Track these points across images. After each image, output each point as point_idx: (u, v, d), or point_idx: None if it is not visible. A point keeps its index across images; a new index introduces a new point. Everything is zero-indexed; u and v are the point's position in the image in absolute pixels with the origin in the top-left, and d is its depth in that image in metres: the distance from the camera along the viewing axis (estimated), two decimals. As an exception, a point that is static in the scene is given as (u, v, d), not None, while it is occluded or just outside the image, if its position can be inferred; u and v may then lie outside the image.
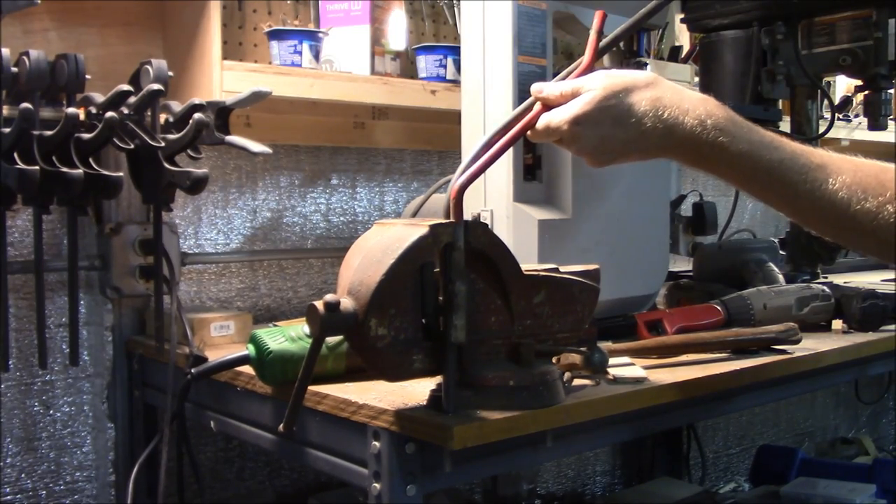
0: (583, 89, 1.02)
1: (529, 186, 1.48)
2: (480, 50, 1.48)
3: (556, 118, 1.02)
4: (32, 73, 1.34)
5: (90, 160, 1.34)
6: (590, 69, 1.06)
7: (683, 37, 2.40)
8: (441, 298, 1.00)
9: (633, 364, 1.29)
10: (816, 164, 0.99)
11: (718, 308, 1.55)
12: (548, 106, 1.04)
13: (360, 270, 0.98)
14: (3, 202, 1.35)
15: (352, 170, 2.04)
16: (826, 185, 0.97)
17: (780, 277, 1.81)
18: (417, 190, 2.12)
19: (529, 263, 1.14)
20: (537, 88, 1.06)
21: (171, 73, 1.42)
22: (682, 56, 2.35)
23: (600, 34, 1.08)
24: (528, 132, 1.05)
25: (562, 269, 1.12)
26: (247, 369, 1.27)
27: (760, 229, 2.88)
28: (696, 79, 2.11)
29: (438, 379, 1.05)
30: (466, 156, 1.03)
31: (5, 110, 1.35)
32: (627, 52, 1.96)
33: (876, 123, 1.96)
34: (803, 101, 2.02)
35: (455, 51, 1.88)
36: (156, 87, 1.35)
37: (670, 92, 1.02)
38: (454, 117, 1.57)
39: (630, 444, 2.61)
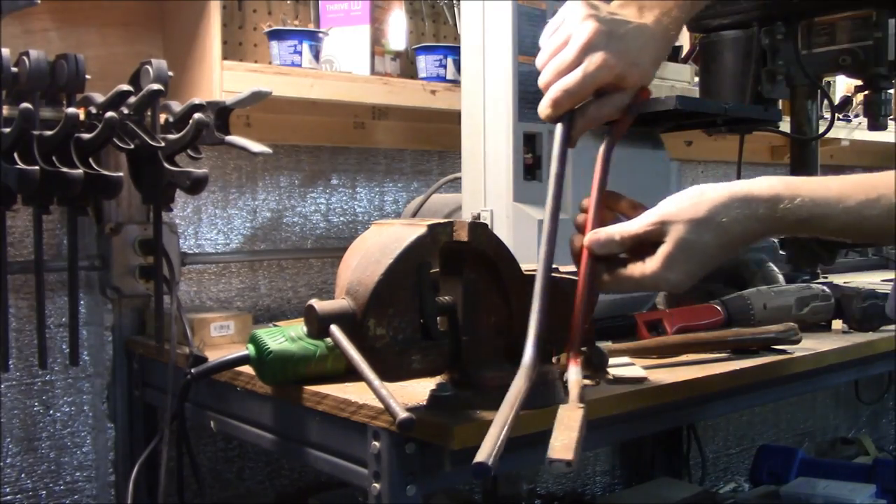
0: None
1: (529, 186, 1.48)
2: (480, 50, 1.48)
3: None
4: (32, 73, 1.34)
5: (90, 160, 1.34)
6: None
7: (683, 37, 2.40)
8: (439, 298, 1.00)
9: (633, 364, 1.29)
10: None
11: (718, 308, 1.55)
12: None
13: (358, 270, 0.98)
14: (3, 202, 1.35)
15: (352, 170, 2.04)
16: None
17: (780, 277, 1.80)
18: (417, 190, 2.12)
19: (529, 263, 1.14)
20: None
21: (171, 73, 1.42)
22: (682, 56, 2.34)
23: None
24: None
25: (562, 269, 1.12)
26: (247, 369, 1.27)
27: (760, 229, 2.87)
28: (696, 79, 2.11)
29: (438, 379, 1.05)
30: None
31: (5, 110, 1.35)
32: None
33: (876, 123, 1.96)
34: (803, 101, 2.02)
35: (455, 51, 1.88)
36: (156, 87, 1.35)
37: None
38: (454, 117, 1.57)
39: (630, 444, 2.61)
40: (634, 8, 1.03)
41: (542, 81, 1.01)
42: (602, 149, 1.04)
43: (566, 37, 0.99)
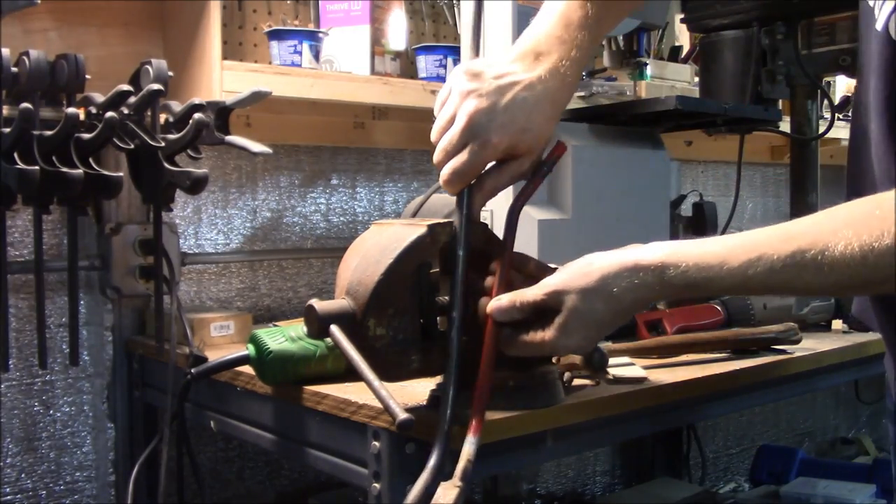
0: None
1: (529, 186, 1.47)
2: (480, 50, 1.47)
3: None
4: (32, 73, 1.34)
5: (90, 160, 1.34)
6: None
7: (683, 37, 2.40)
8: (439, 298, 1.00)
9: (633, 364, 1.29)
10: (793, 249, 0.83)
11: (718, 308, 1.55)
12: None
13: (358, 270, 0.98)
14: (3, 202, 1.35)
15: (352, 170, 2.04)
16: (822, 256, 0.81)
17: (781, 277, 1.80)
18: (417, 190, 2.12)
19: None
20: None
21: (171, 73, 1.42)
22: (682, 56, 2.35)
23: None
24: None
25: (562, 269, 1.12)
26: (247, 369, 1.27)
27: (760, 229, 2.87)
28: (696, 79, 2.11)
29: (438, 379, 1.05)
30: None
31: (5, 110, 1.35)
32: (628, 51, 1.96)
33: (876, 123, 1.95)
34: (803, 101, 2.02)
35: (455, 51, 1.88)
36: (156, 87, 1.35)
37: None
38: (454, 117, 1.57)
39: (630, 444, 2.61)
40: (530, 58, 1.01)
41: (434, 160, 1.01)
42: (508, 211, 1.03)
43: (453, 112, 0.99)
